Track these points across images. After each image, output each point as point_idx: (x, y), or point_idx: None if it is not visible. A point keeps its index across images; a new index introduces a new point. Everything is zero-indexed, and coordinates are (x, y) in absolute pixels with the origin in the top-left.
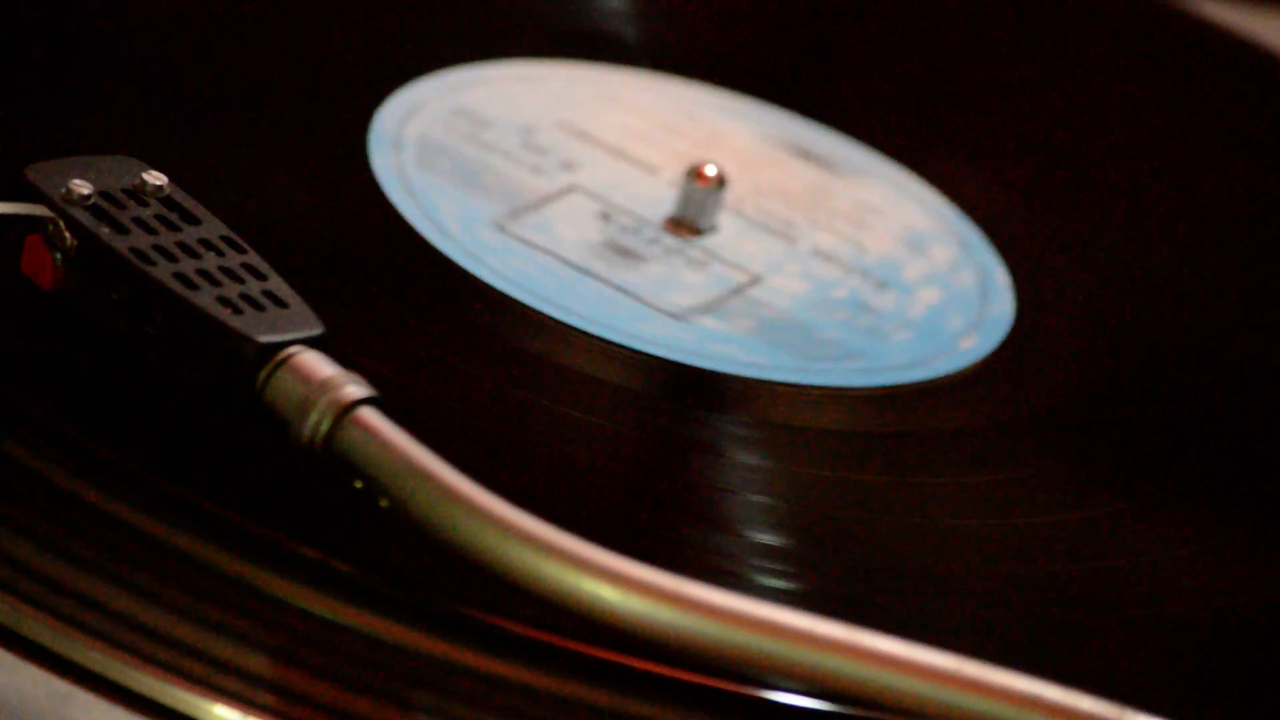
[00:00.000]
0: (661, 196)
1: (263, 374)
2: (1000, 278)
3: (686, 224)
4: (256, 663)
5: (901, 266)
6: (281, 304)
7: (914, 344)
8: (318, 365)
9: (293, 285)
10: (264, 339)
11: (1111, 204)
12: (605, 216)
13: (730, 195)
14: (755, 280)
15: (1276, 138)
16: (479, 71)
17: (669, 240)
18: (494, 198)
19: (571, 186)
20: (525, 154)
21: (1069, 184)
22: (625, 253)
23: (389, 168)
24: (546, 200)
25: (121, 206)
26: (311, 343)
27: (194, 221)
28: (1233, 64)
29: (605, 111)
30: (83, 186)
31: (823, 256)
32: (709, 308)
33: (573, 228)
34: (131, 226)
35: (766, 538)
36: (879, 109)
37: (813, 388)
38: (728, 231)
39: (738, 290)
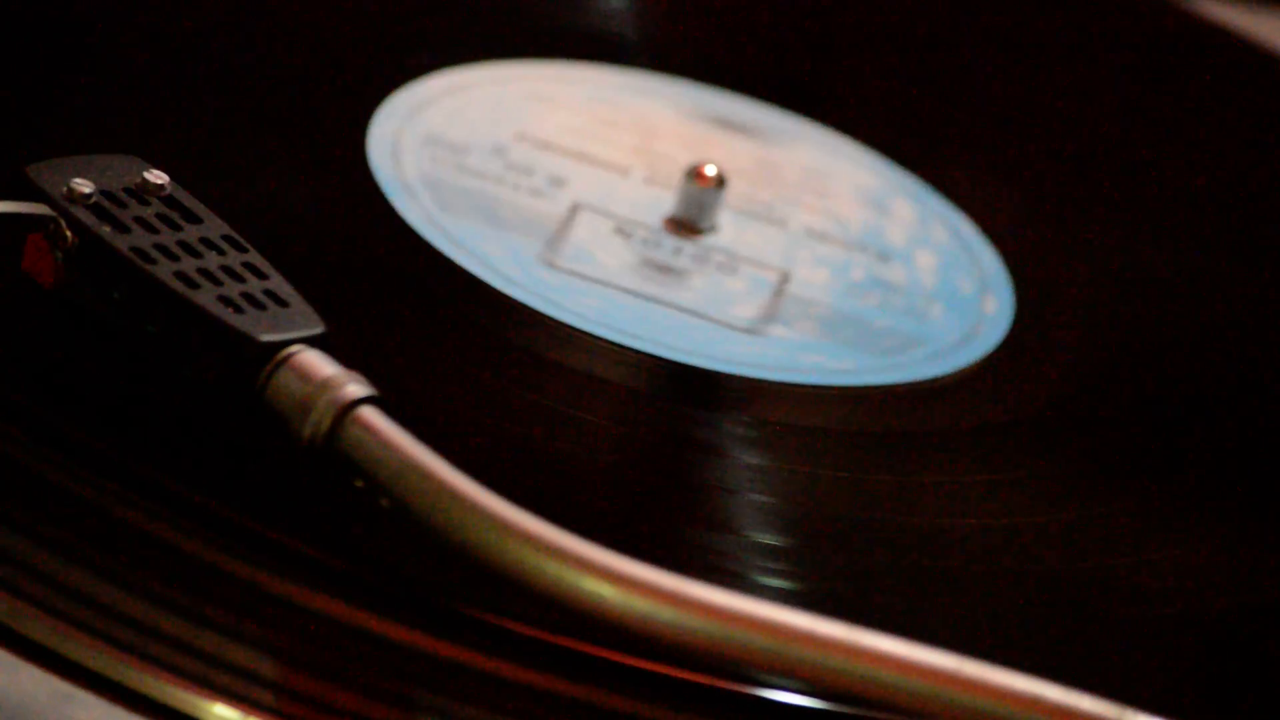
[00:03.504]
0: (646, 197)
1: (264, 373)
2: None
3: (687, 224)
4: (257, 662)
5: (883, 231)
6: (282, 303)
7: (952, 316)
8: (319, 364)
9: (294, 284)
10: (265, 338)
11: (1111, 203)
12: (622, 232)
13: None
14: (786, 277)
15: (1276, 138)
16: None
17: (685, 245)
18: (523, 233)
19: (575, 206)
20: (515, 176)
21: (1069, 183)
22: (663, 269)
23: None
24: (565, 227)
25: (123, 205)
26: (312, 342)
27: (195, 220)
28: (1233, 64)
29: (544, 114)
30: (84, 185)
31: (818, 237)
32: (771, 316)
33: (607, 252)
34: (133, 225)
35: (767, 537)
36: (878, 108)
37: (875, 387)
38: (723, 224)
39: (779, 291)
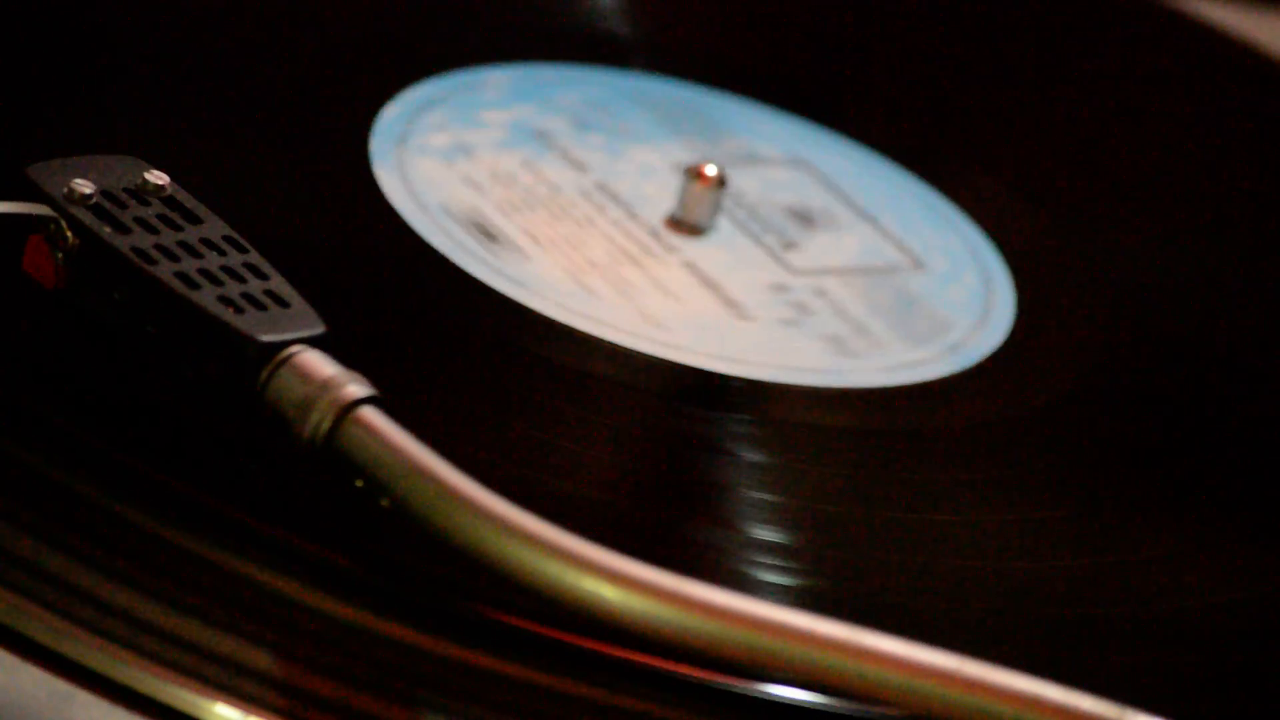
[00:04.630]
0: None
1: (264, 373)
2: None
3: (687, 225)
4: (258, 661)
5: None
6: (283, 303)
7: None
8: (319, 365)
9: (294, 285)
10: (265, 338)
11: (1112, 204)
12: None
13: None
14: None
15: (1276, 138)
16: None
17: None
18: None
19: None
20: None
21: (1070, 184)
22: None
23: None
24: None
25: (123, 206)
26: (313, 342)
27: (196, 221)
28: (1233, 65)
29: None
30: (85, 186)
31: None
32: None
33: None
34: (133, 226)
35: (769, 536)
36: (879, 109)
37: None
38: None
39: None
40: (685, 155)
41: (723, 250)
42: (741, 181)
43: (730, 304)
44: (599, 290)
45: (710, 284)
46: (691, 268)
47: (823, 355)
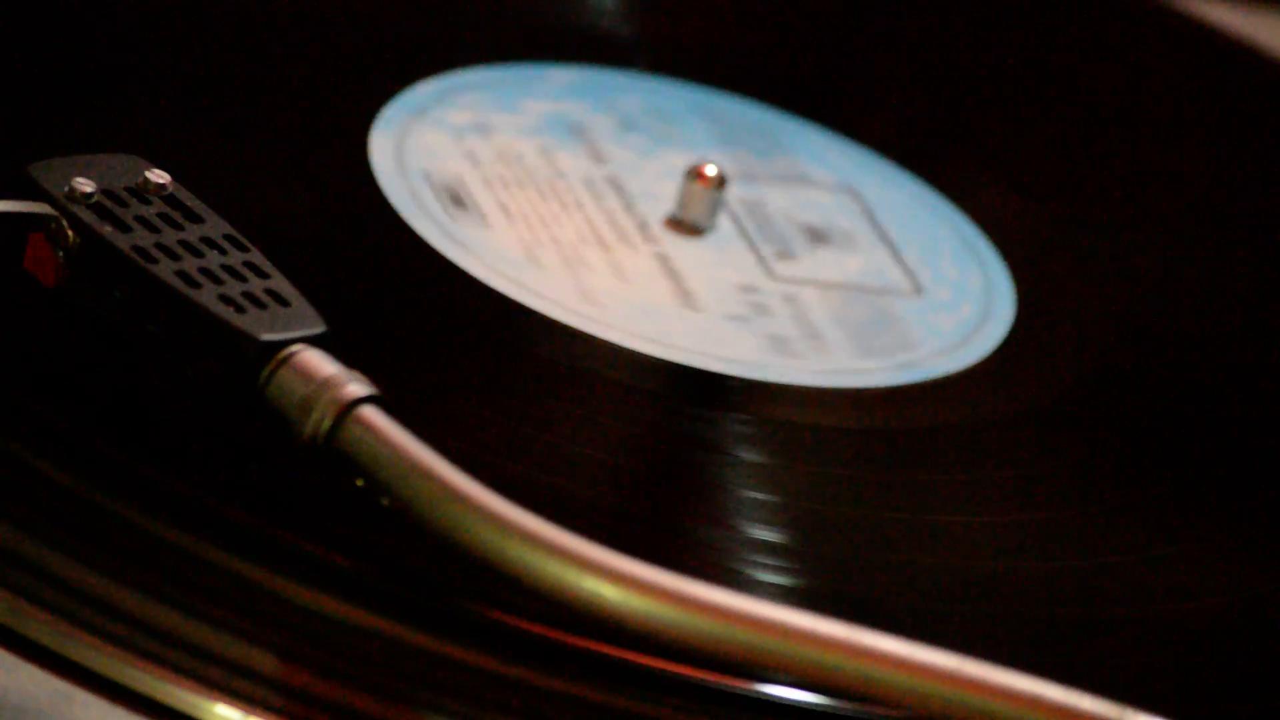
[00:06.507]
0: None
1: (265, 372)
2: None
3: (687, 225)
4: (258, 661)
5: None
6: (284, 302)
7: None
8: (320, 364)
9: (295, 284)
10: (266, 337)
11: (1112, 203)
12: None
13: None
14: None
15: (1276, 138)
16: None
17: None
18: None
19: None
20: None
21: (1069, 183)
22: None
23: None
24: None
25: (124, 204)
26: (314, 341)
27: (196, 220)
28: (1233, 64)
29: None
30: (85, 185)
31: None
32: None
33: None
34: (134, 224)
35: (767, 535)
36: (880, 109)
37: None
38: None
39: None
40: (727, 165)
41: (710, 250)
42: (774, 196)
43: (683, 295)
44: (546, 263)
45: (673, 275)
46: (663, 260)
47: (757, 351)
